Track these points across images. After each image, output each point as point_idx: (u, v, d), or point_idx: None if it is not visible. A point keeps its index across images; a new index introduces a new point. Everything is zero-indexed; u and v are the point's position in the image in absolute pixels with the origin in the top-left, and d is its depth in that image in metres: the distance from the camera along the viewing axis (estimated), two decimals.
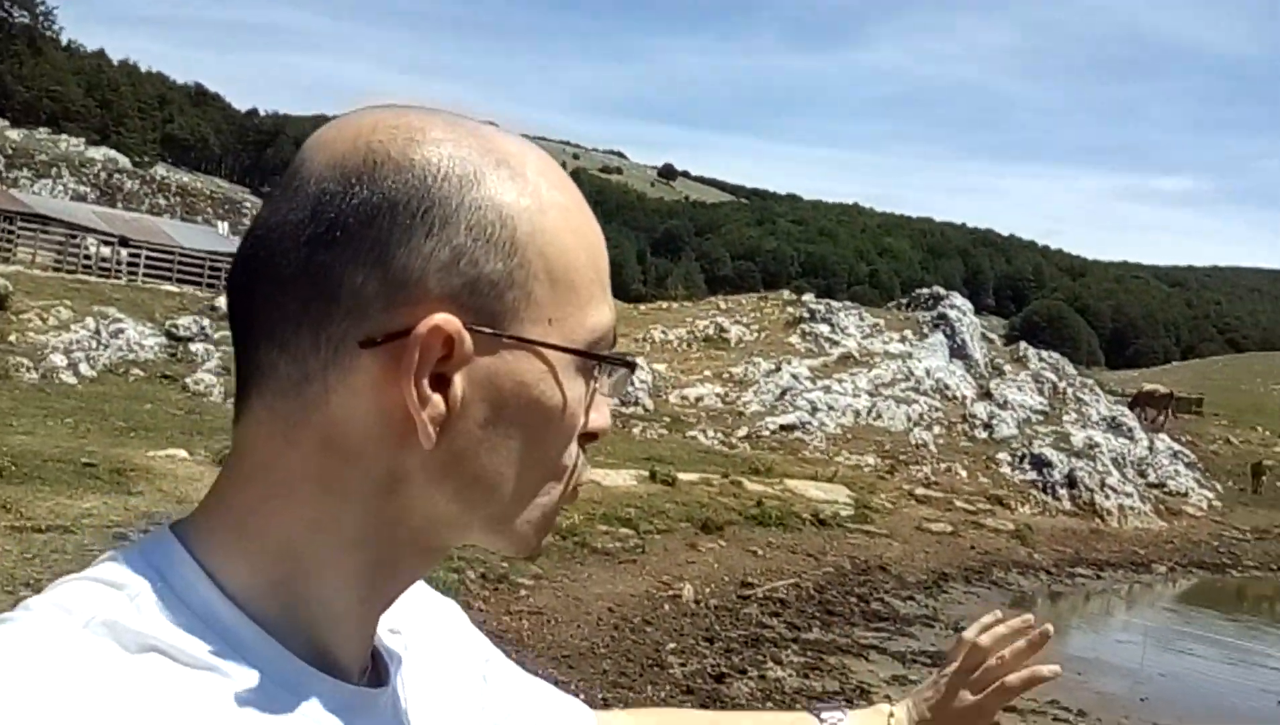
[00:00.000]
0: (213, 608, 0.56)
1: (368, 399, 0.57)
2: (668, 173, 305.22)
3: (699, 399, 20.35)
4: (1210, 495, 20.05)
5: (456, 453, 0.59)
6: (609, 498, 11.20)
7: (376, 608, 0.64)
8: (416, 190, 0.57)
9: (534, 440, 0.61)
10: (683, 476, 12.94)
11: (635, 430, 17.21)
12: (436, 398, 0.57)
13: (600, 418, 0.65)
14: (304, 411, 0.58)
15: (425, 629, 0.74)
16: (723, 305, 28.45)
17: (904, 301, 26.37)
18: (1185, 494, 19.57)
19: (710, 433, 18.10)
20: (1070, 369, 23.75)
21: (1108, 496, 17.39)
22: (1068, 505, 17.12)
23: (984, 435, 19.30)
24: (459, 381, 0.58)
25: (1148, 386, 29.25)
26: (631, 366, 0.66)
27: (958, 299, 24.59)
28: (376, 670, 0.67)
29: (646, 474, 12.64)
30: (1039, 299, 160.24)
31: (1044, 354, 23.72)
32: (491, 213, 0.58)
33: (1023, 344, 24.82)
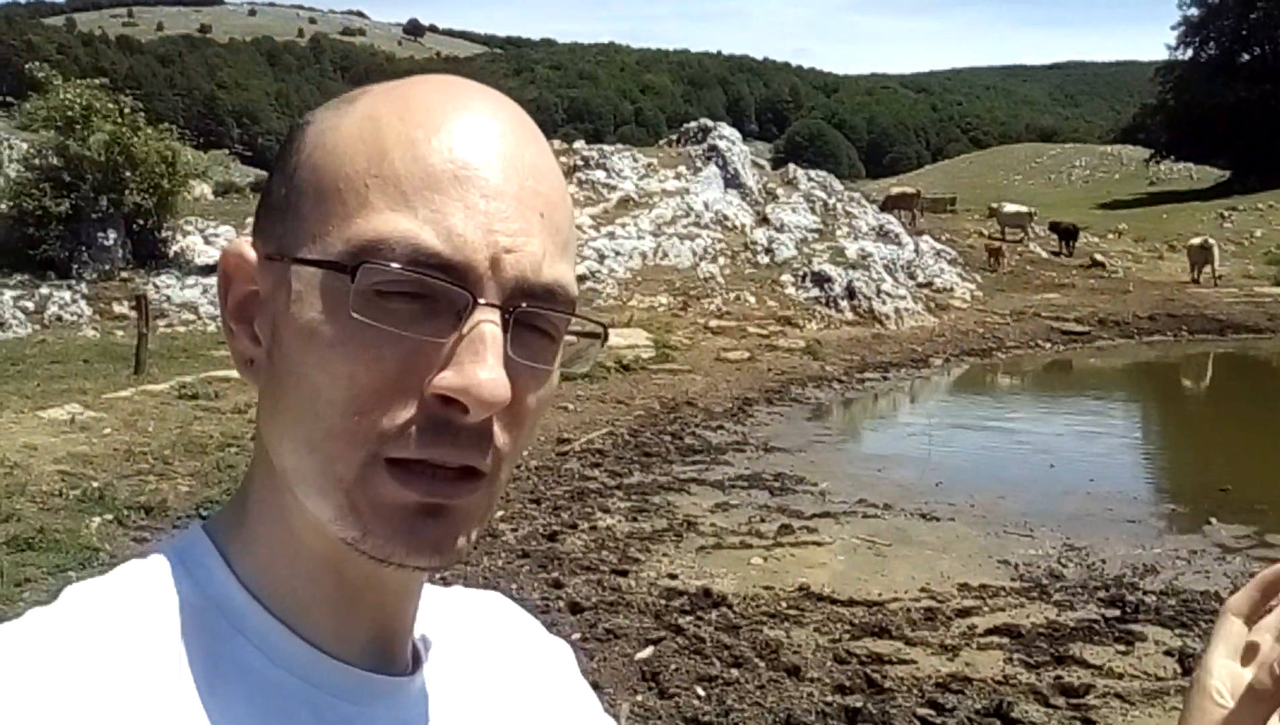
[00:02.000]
0: (227, 594, 0.57)
1: None
2: (414, 29, 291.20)
3: None
4: (972, 287, 21.58)
5: (263, 392, 0.57)
6: None
7: (362, 607, 0.59)
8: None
9: (301, 378, 0.54)
10: None
11: None
12: (238, 329, 0.58)
13: (455, 374, 0.51)
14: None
15: (492, 639, 0.71)
16: None
17: (673, 137, 26.45)
18: (951, 289, 20.99)
19: None
20: (837, 184, 24.63)
21: (884, 302, 18.45)
22: (850, 316, 18.06)
23: (766, 260, 19.95)
24: (259, 314, 0.57)
25: (895, 190, 30.64)
26: (348, 269, 0.51)
27: (725, 129, 24.86)
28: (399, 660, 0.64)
29: None
30: (799, 119, 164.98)
31: (812, 173, 24.47)
32: (293, 146, 0.57)
33: (792, 166, 25.46)
